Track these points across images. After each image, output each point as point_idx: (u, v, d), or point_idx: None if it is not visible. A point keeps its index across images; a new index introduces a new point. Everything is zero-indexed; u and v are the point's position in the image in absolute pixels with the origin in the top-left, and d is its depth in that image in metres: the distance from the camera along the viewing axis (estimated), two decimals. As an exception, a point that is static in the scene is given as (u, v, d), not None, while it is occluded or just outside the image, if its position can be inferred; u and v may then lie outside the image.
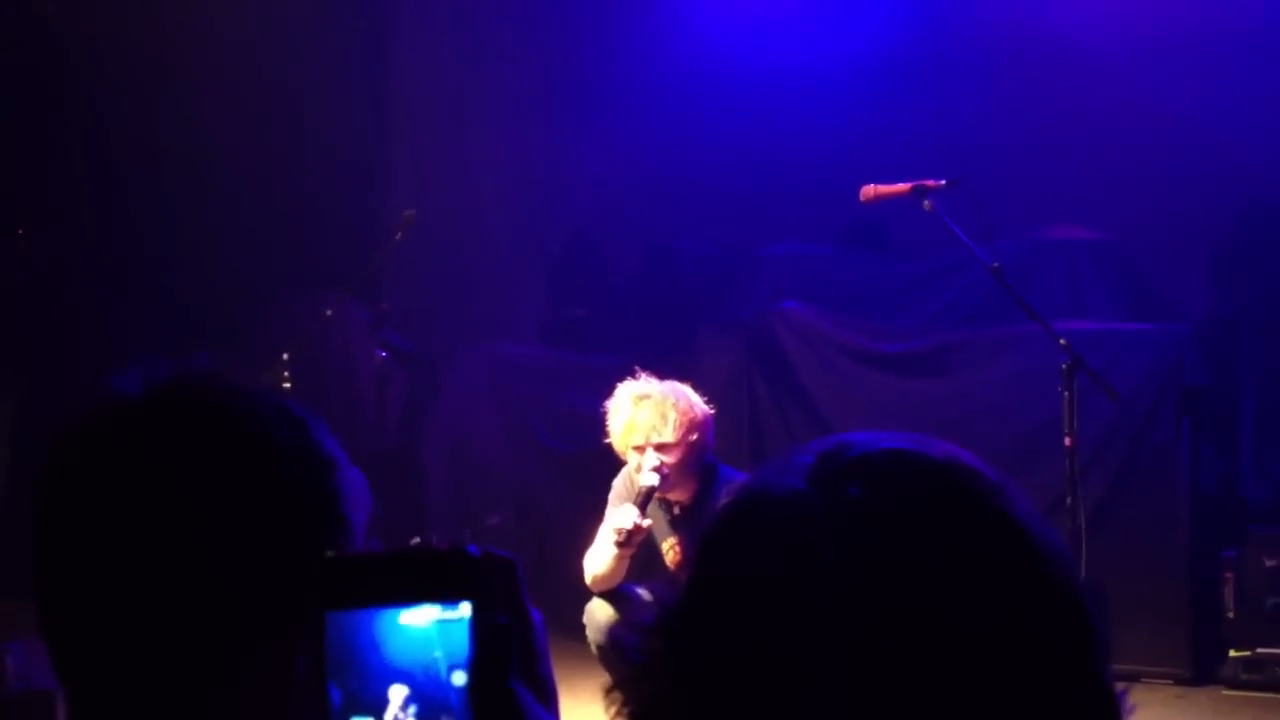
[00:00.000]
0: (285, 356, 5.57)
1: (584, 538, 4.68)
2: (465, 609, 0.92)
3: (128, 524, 1.16)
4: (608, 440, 4.62)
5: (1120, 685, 0.91)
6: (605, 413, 4.65)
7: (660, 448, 4.45)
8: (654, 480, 4.43)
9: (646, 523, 4.42)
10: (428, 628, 0.92)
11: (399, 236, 6.03)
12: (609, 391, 4.70)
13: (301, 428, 1.25)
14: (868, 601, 0.82)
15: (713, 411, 4.64)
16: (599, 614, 4.45)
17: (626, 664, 0.90)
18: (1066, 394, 4.45)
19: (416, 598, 0.91)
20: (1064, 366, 4.50)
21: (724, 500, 0.93)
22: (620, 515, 4.41)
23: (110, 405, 1.22)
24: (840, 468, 0.88)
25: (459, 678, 0.92)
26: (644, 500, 4.42)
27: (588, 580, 4.52)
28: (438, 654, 0.91)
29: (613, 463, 4.73)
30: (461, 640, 0.92)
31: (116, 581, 1.15)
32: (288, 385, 5.40)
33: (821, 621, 0.82)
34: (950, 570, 0.83)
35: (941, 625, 0.82)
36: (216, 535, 1.17)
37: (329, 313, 5.97)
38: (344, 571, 0.92)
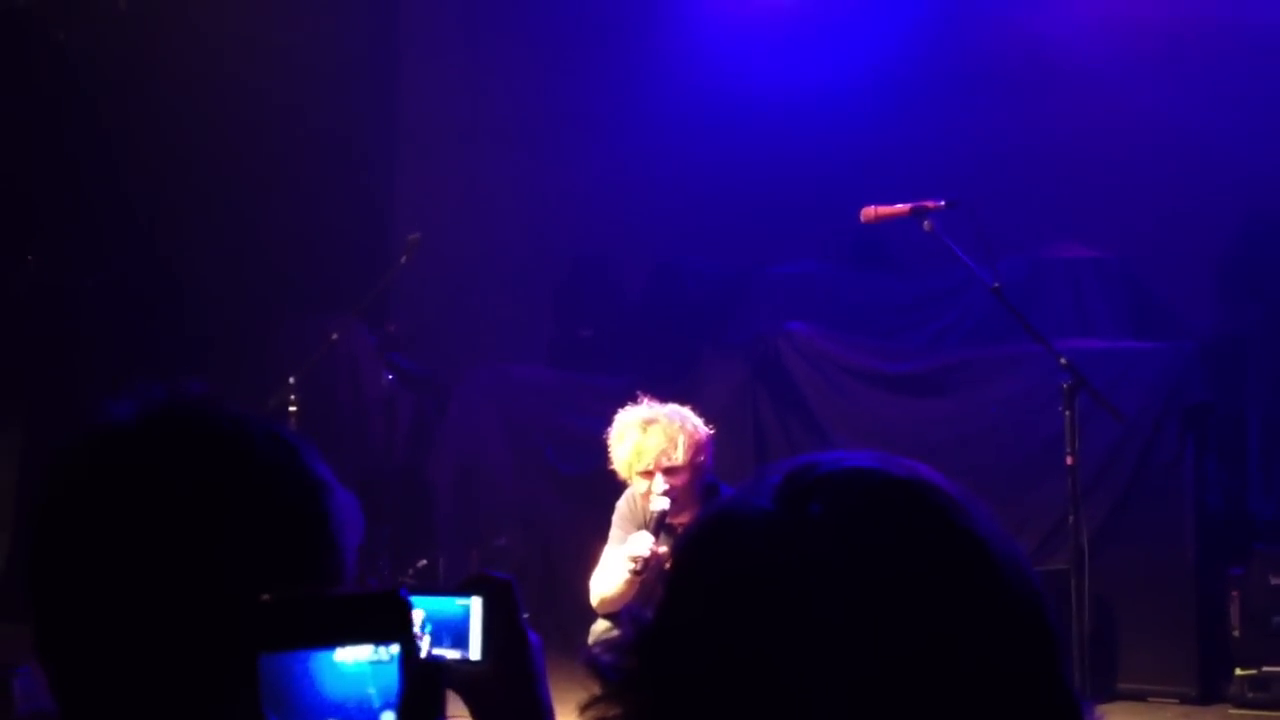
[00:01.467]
0: (292, 380, 5.60)
1: (590, 559, 4.68)
2: (395, 649, 0.94)
3: (120, 548, 1.18)
4: (611, 466, 4.63)
5: (1107, 705, 0.92)
6: (605, 439, 4.65)
7: (669, 471, 4.46)
8: (666, 504, 4.43)
9: (662, 549, 4.42)
10: (360, 665, 0.94)
11: (404, 259, 6.06)
12: (616, 413, 4.71)
13: (292, 452, 1.27)
14: (830, 615, 0.84)
15: (712, 432, 4.65)
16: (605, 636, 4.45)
17: (603, 682, 0.92)
18: (1068, 413, 4.45)
19: (349, 638, 0.93)
20: (1065, 386, 4.50)
21: (694, 520, 0.95)
22: (636, 543, 4.41)
23: (103, 431, 1.24)
24: (804, 486, 0.91)
25: (388, 718, 0.94)
26: (657, 525, 4.43)
27: (594, 602, 4.52)
28: (371, 690, 0.94)
29: (619, 483, 4.73)
30: (392, 679, 0.94)
31: (110, 604, 1.17)
32: (294, 409, 5.42)
33: (786, 636, 0.84)
34: (909, 583, 0.85)
35: (902, 637, 0.83)
36: (208, 558, 1.19)
37: (335, 336, 5.99)
38: (278, 614, 0.94)
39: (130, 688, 1.17)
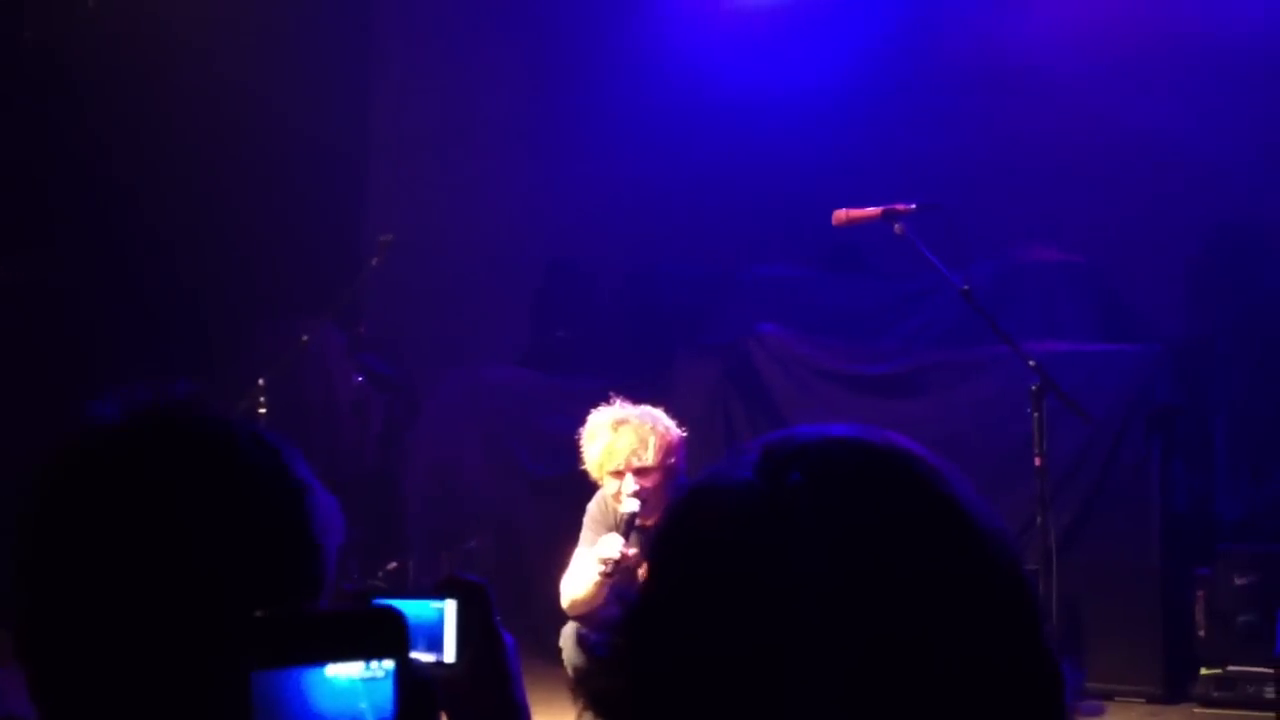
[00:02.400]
0: (261, 382, 5.58)
1: (563, 561, 4.69)
2: (389, 664, 0.94)
3: (102, 549, 1.19)
4: (583, 466, 4.64)
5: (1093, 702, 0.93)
6: (578, 439, 4.66)
7: (640, 472, 4.47)
8: (635, 506, 4.45)
9: (633, 551, 4.43)
10: (353, 682, 0.94)
11: (376, 261, 6.06)
12: (589, 415, 4.72)
13: (275, 454, 1.28)
14: (815, 584, 0.85)
15: (685, 434, 4.67)
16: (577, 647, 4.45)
17: (591, 659, 0.93)
18: (1036, 415, 4.50)
19: (342, 656, 0.93)
20: (1033, 388, 4.54)
21: (675, 496, 0.96)
22: (606, 545, 4.42)
23: (89, 432, 1.25)
24: (783, 458, 0.91)
25: None
26: (627, 527, 4.44)
27: (565, 604, 4.52)
28: (364, 706, 0.94)
29: (592, 486, 4.74)
30: (386, 696, 0.94)
31: (93, 606, 1.18)
32: (264, 410, 5.41)
33: (770, 607, 0.85)
34: (892, 550, 0.86)
35: (886, 604, 0.84)
36: (191, 560, 1.19)
37: (305, 338, 5.97)
38: (271, 631, 0.94)
39: (111, 690, 1.18)
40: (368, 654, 0.94)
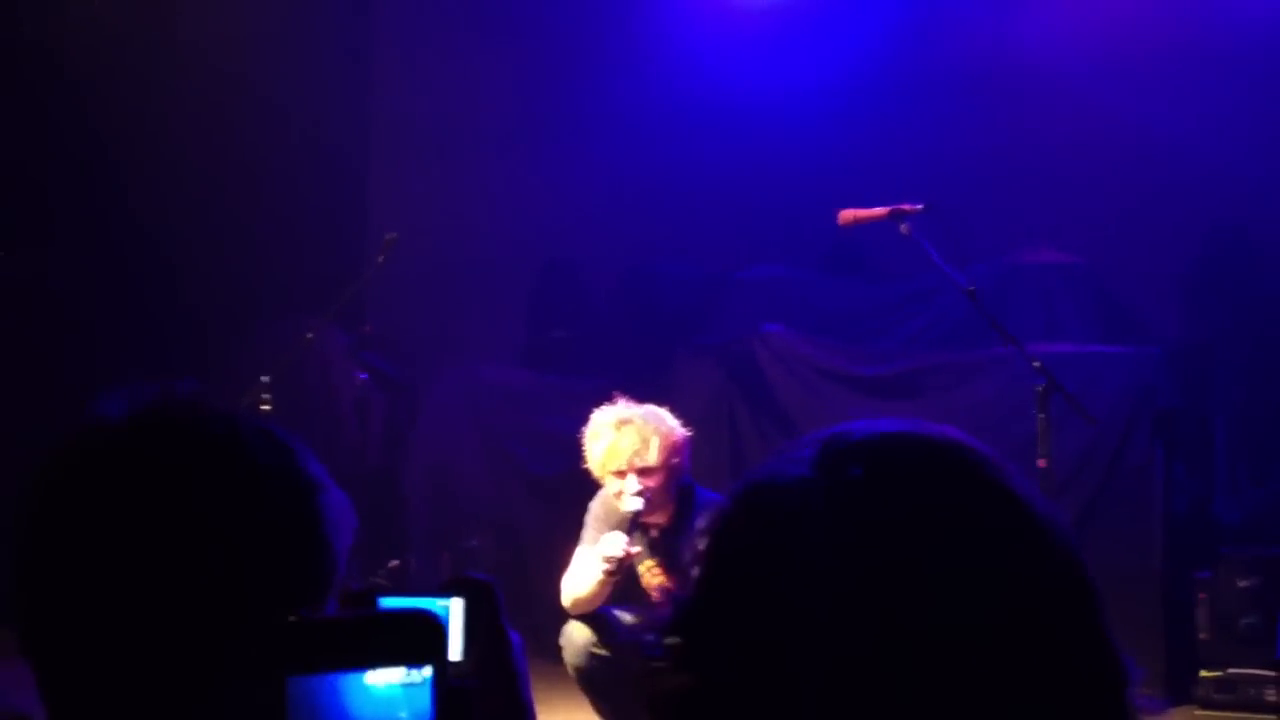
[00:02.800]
0: (265, 379, 5.57)
1: (562, 560, 4.68)
2: (428, 671, 0.93)
3: (110, 547, 1.18)
4: (585, 465, 4.63)
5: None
6: (581, 438, 4.66)
7: (642, 472, 4.46)
8: (638, 505, 4.44)
9: (636, 549, 4.43)
10: (392, 688, 0.93)
11: (380, 259, 6.04)
12: (589, 414, 4.71)
13: (285, 451, 1.27)
14: (877, 577, 0.84)
15: (690, 434, 4.66)
16: (577, 636, 4.45)
17: (645, 662, 0.93)
18: (1041, 416, 4.48)
19: (379, 661, 0.92)
20: (1038, 389, 4.53)
21: (729, 495, 0.95)
22: (609, 543, 4.41)
23: (93, 429, 1.23)
24: (841, 452, 0.90)
25: None
26: (630, 526, 4.44)
27: (566, 603, 4.51)
28: (403, 715, 0.93)
29: (591, 485, 4.74)
30: (425, 702, 0.93)
31: (99, 604, 1.17)
32: (268, 408, 5.39)
33: (833, 602, 0.84)
34: (953, 540, 0.85)
35: (948, 595, 0.84)
36: (199, 558, 1.18)
37: (310, 335, 5.97)
38: (306, 635, 0.93)
39: (118, 688, 1.17)
40: (405, 659, 0.93)
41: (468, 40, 9.01)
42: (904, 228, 4.69)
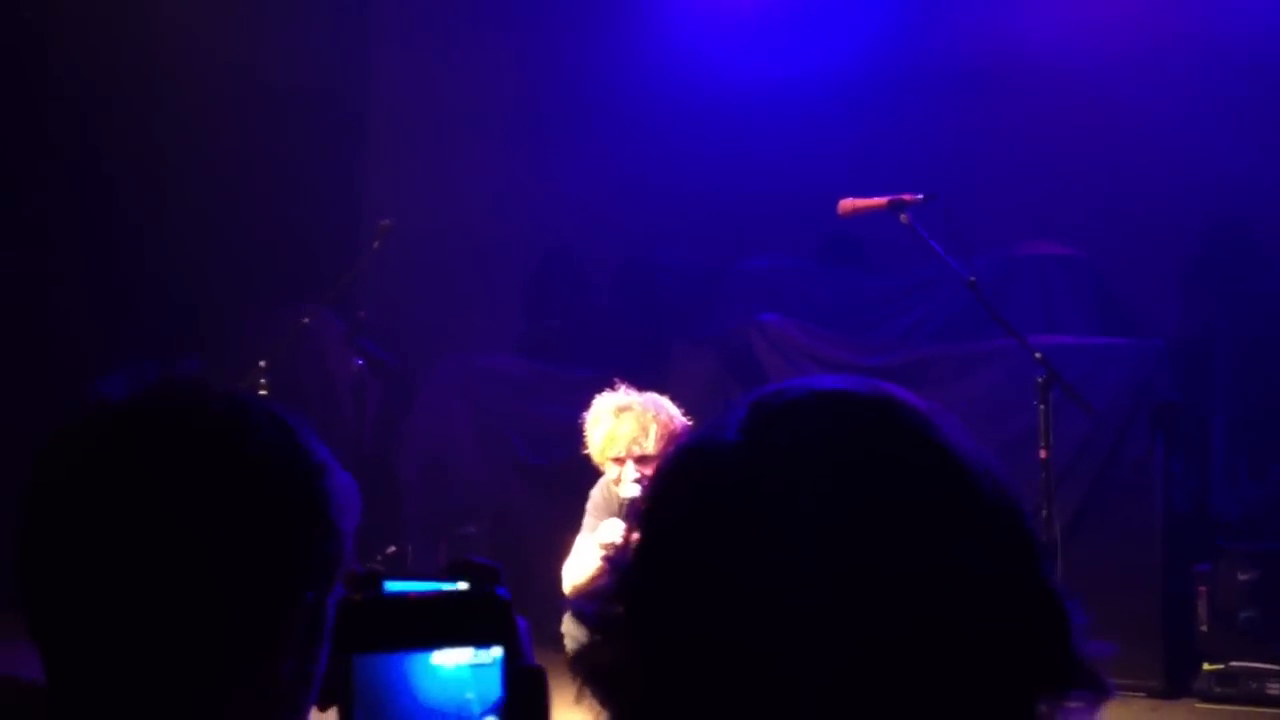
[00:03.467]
0: (262, 364, 5.55)
1: (559, 548, 4.66)
2: (496, 652, 0.92)
3: (115, 528, 1.16)
4: (586, 451, 4.61)
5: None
6: (583, 424, 4.64)
7: (641, 460, 4.45)
8: (635, 492, 4.43)
9: (635, 536, 4.41)
10: (460, 669, 0.91)
11: (376, 245, 6.02)
12: (585, 404, 4.69)
13: (290, 432, 1.25)
14: (805, 541, 0.83)
15: (690, 423, 4.64)
16: (577, 623, 4.44)
17: (591, 630, 0.90)
18: (1042, 407, 4.47)
19: (447, 641, 0.91)
20: (1039, 380, 4.52)
21: (662, 460, 0.94)
22: (607, 530, 4.40)
23: (95, 410, 1.21)
24: (769, 415, 0.89)
25: None
26: (629, 512, 4.42)
27: (567, 590, 4.50)
28: (470, 695, 0.91)
29: (588, 473, 4.72)
30: (493, 683, 0.92)
31: (104, 586, 1.15)
32: (264, 393, 5.38)
33: (762, 569, 0.83)
34: (882, 502, 0.84)
35: (879, 557, 0.82)
36: (204, 539, 1.16)
37: (306, 320, 5.95)
38: (373, 614, 0.92)
39: (123, 668, 1.15)
40: (473, 639, 0.91)
41: (466, 27, 8.99)
42: (904, 217, 4.67)
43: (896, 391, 0.92)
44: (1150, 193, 7.36)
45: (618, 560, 0.92)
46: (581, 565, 4.48)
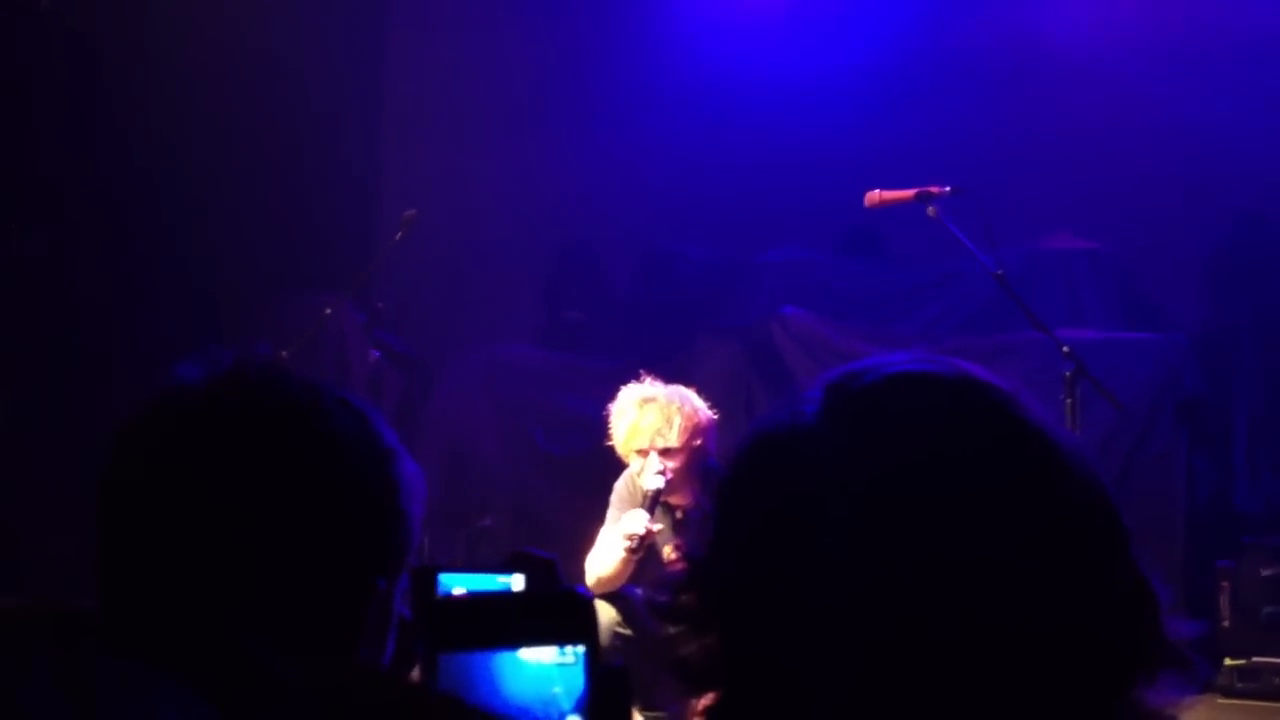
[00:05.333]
0: (285, 354, 5.55)
1: (579, 540, 4.67)
2: (578, 652, 0.93)
3: (190, 512, 1.16)
4: (609, 442, 4.61)
5: None
6: (607, 415, 4.63)
7: (664, 452, 4.45)
8: (659, 484, 4.43)
9: (657, 527, 4.42)
10: (547, 667, 0.93)
11: (399, 236, 6.02)
12: (605, 395, 4.69)
13: (362, 418, 1.25)
14: (895, 526, 0.82)
15: (716, 416, 4.63)
16: (601, 615, 4.42)
17: (666, 624, 0.90)
18: (1069, 401, 4.46)
19: (529, 640, 0.92)
20: (1066, 375, 4.51)
21: (736, 449, 0.92)
22: (631, 521, 4.41)
23: (173, 393, 1.21)
24: (850, 400, 0.88)
25: None
26: (651, 504, 4.43)
27: (590, 582, 4.50)
28: (558, 689, 0.92)
29: (607, 465, 4.72)
30: (577, 683, 0.93)
31: (180, 570, 1.15)
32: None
33: (851, 554, 0.82)
34: (979, 488, 0.83)
35: (971, 536, 0.81)
36: (278, 524, 1.16)
37: (328, 311, 5.95)
38: (456, 613, 0.93)
39: (193, 661, 1.14)
40: (557, 638, 0.92)
41: (484, 16, 8.97)
42: (931, 210, 4.66)
43: (976, 370, 0.90)
44: (1176, 187, 7.33)
45: (691, 551, 0.90)
46: (605, 557, 4.48)
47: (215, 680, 0.98)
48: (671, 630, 0.90)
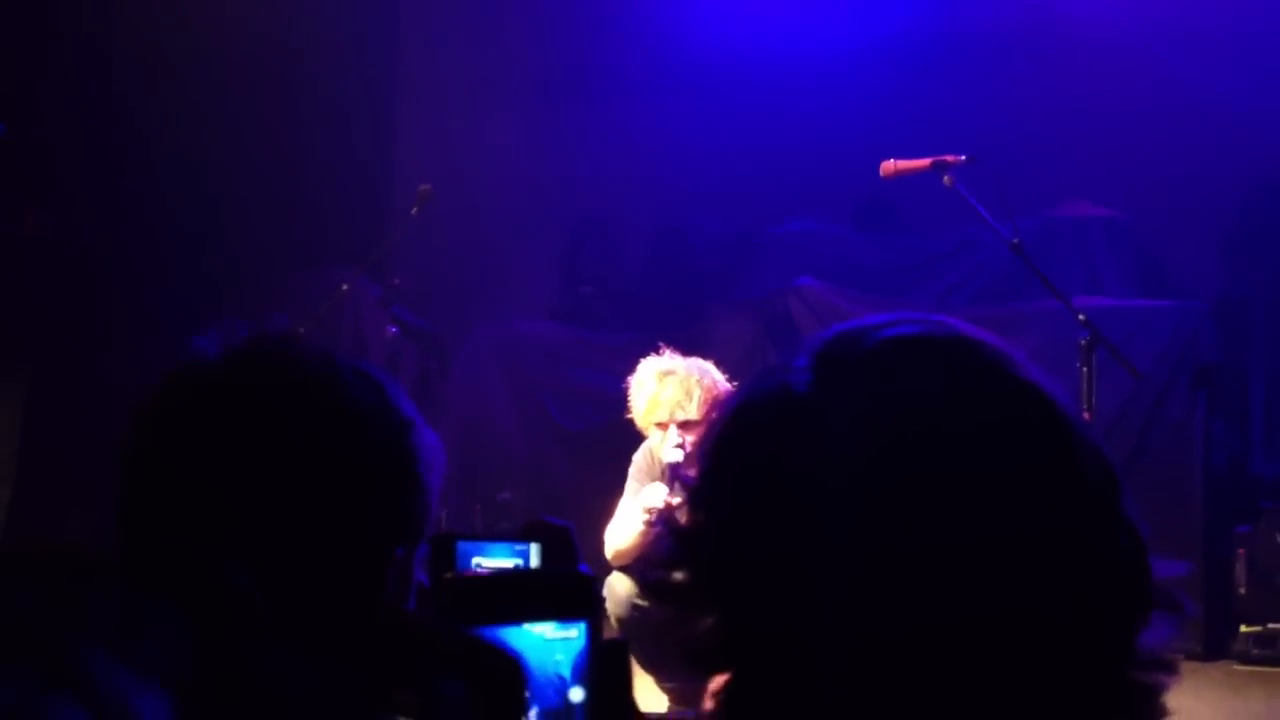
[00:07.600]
0: (301, 330, 5.57)
1: (596, 514, 4.68)
2: (580, 629, 0.96)
3: (208, 485, 1.17)
4: (628, 415, 4.62)
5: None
6: (624, 389, 4.64)
7: (683, 425, 4.45)
8: (678, 456, 4.44)
9: (677, 500, 4.43)
10: (551, 639, 0.96)
11: (415, 210, 6.02)
12: (621, 369, 4.70)
13: (380, 390, 1.26)
14: (893, 493, 0.80)
15: (733, 388, 4.63)
16: (619, 587, 4.46)
17: (662, 601, 0.88)
18: (1085, 369, 4.45)
19: (533, 617, 0.95)
20: (1082, 342, 4.50)
21: (722, 411, 0.89)
22: (650, 494, 4.43)
23: (191, 366, 1.23)
24: (841, 366, 0.85)
25: (576, 694, 0.96)
26: (671, 477, 4.44)
27: (609, 555, 4.52)
28: (560, 657, 0.95)
29: (624, 439, 4.73)
30: (579, 653, 0.96)
31: (201, 540, 1.16)
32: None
33: (852, 522, 0.80)
34: (975, 463, 0.81)
35: (973, 501, 0.80)
36: (297, 493, 1.18)
37: (345, 287, 5.96)
38: (463, 591, 0.95)
39: (212, 628, 1.16)
40: (560, 615, 0.95)
41: (496, -5, 8.95)
42: (947, 179, 4.64)
43: (971, 330, 0.88)
44: (1192, 154, 7.28)
45: (675, 525, 0.88)
46: (624, 530, 4.50)
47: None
48: (668, 609, 0.88)
